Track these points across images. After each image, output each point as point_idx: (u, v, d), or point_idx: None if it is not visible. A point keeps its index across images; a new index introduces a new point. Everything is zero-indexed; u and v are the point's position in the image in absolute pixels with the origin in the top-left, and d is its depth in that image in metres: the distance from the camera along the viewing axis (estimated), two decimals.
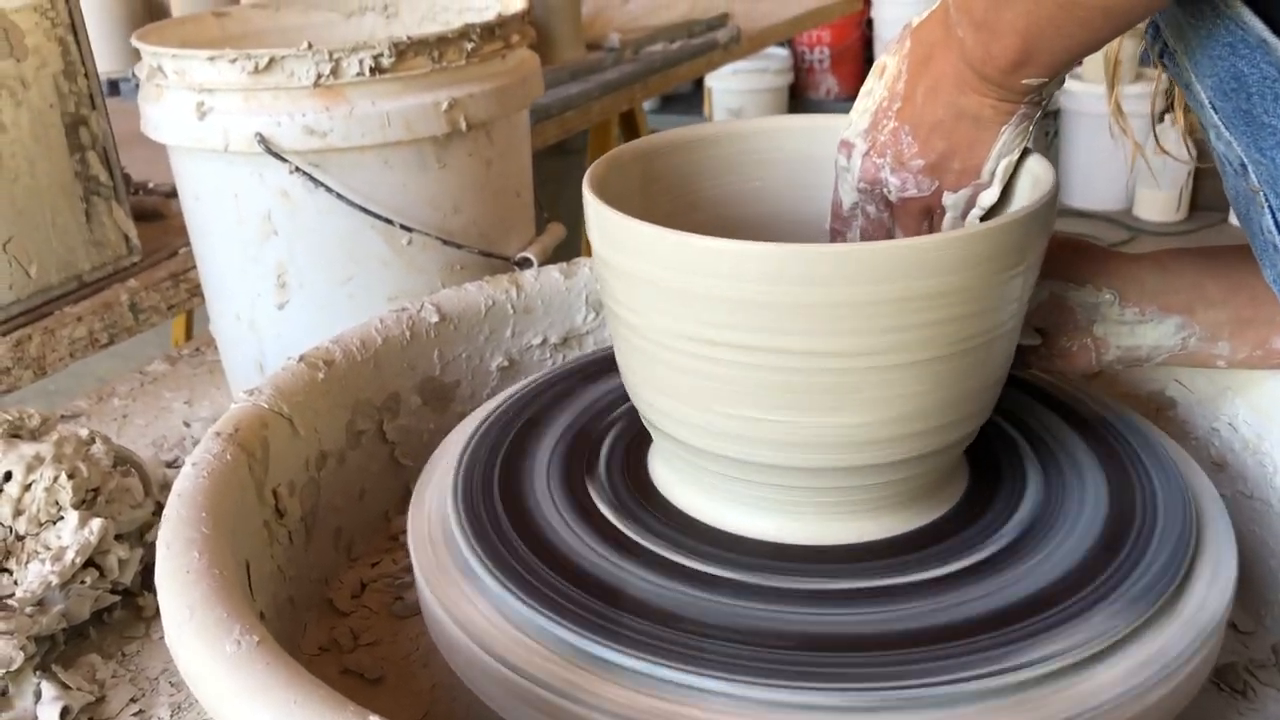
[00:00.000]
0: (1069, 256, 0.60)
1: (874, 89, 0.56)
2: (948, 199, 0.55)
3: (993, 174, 0.54)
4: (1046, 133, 3.42)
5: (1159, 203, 3.23)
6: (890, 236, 0.58)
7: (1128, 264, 0.60)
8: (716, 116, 3.95)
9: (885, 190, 0.56)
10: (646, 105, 4.15)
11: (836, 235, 0.61)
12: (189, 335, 2.12)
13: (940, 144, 0.53)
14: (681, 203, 0.62)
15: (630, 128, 2.26)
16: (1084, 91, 3.17)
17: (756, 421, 0.50)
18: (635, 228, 0.50)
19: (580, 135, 1.90)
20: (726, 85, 3.91)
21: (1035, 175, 0.54)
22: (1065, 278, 0.60)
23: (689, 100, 4.28)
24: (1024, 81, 0.49)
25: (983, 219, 0.56)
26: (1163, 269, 0.60)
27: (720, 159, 0.64)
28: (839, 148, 0.58)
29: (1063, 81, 0.52)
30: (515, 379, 0.77)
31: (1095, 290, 0.59)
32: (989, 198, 0.55)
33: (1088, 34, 0.46)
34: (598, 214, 0.52)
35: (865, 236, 0.59)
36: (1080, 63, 0.50)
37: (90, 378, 2.47)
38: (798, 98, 4.34)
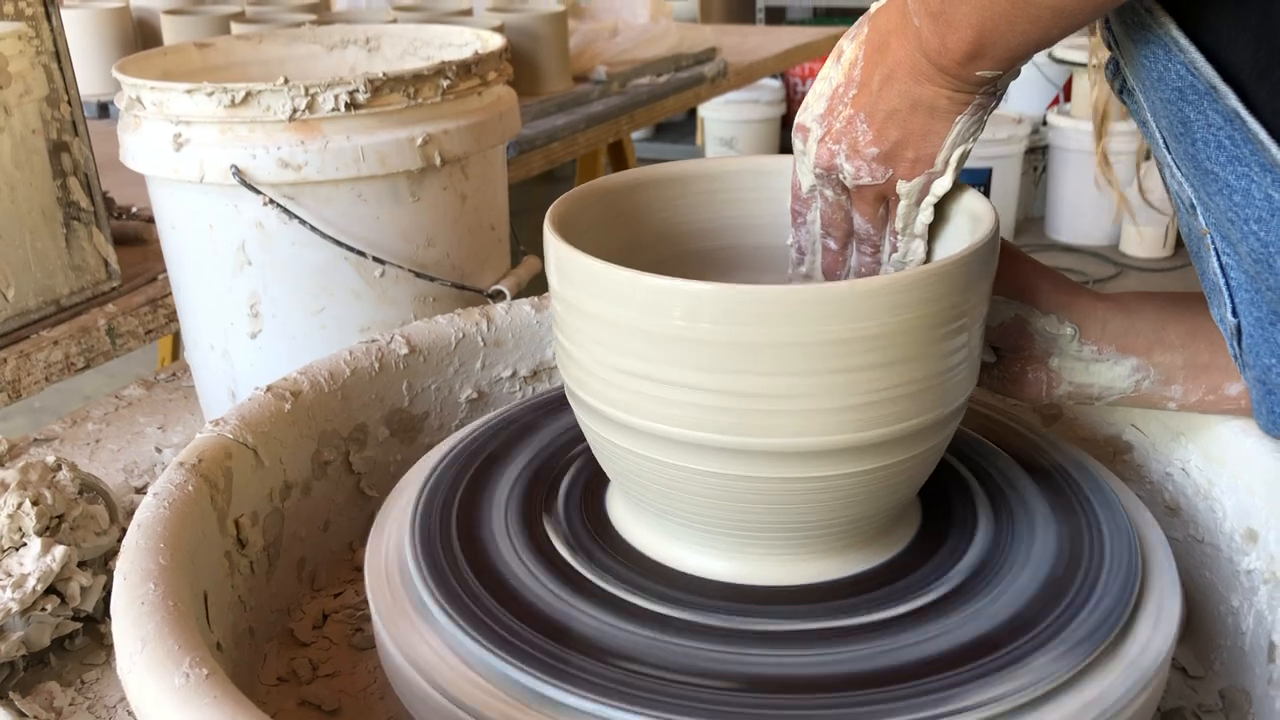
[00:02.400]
0: (1040, 284, 0.60)
1: (831, 74, 0.57)
2: (901, 187, 0.55)
3: (947, 163, 0.54)
4: (1035, 168, 3.45)
5: (1146, 239, 3.25)
6: (849, 219, 0.59)
7: (1093, 302, 0.61)
8: (709, 146, 3.97)
9: (840, 176, 0.57)
10: (639, 134, 4.18)
11: (796, 216, 0.61)
12: (174, 357, 2.12)
13: (895, 133, 0.54)
14: (641, 238, 0.63)
15: (618, 158, 2.28)
16: (1072, 128, 3.20)
17: (704, 455, 0.51)
18: (585, 263, 0.50)
19: (569, 164, 1.92)
20: (719, 115, 3.93)
21: (974, 214, 0.55)
22: (1033, 304, 0.60)
23: (681, 129, 4.30)
24: (978, 74, 0.50)
25: (927, 257, 0.57)
26: (1126, 312, 0.61)
27: (682, 197, 0.65)
28: (795, 131, 0.59)
29: (1017, 74, 0.53)
30: (484, 411, 0.78)
31: (1058, 321, 0.60)
32: (942, 186, 0.55)
33: (1039, 31, 0.47)
34: (555, 250, 0.53)
35: (824, 218, 0.60)
36: (1030, 58, 0.50)
37: (76, 396, 2.47)
38: (790, 128, 4.37)
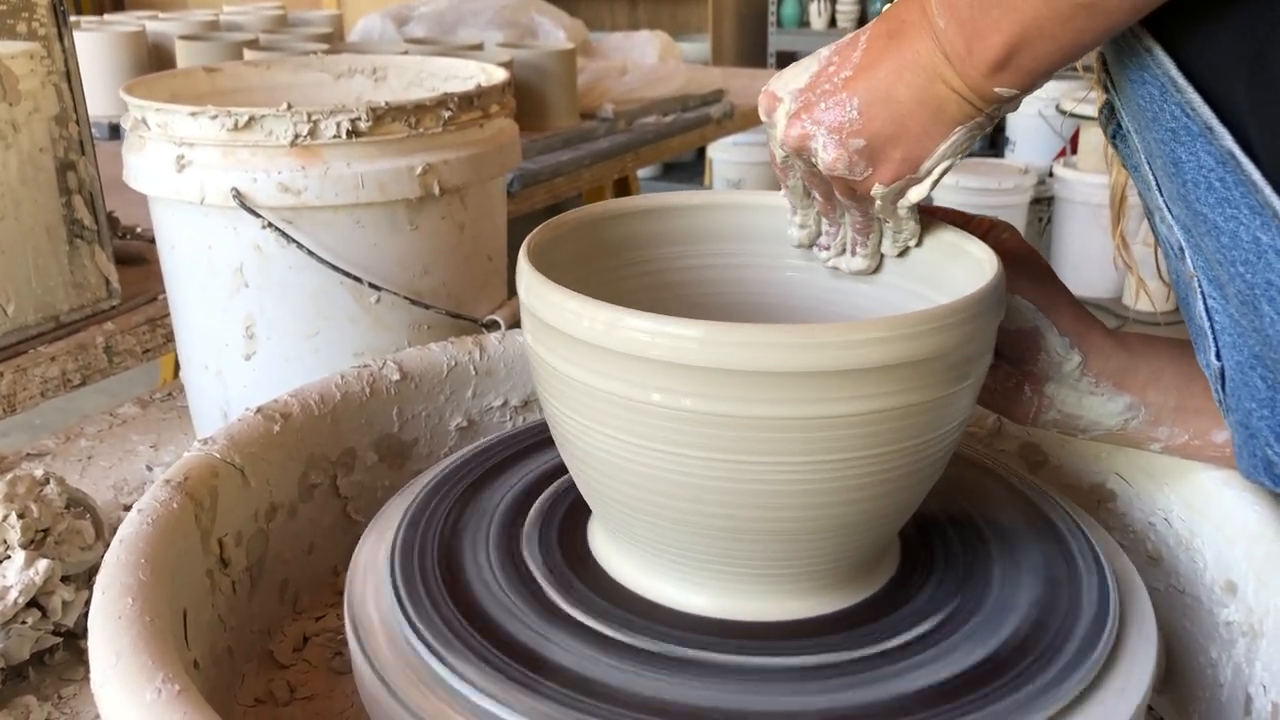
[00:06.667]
0: (1063, 306, 0.60)
1: (823, 53, 0.55)
2: (877, 190, 0.54)
3: (929, 172, 0.53)
4: (1040, 219, 3.47)
5: (1149, 293, 3.26)
6: (828, 183, 0.56)
7: (1103, 336, 0.61)
8: (716, 186, 4.00)
9: (812, 159, 0.54)
10: (647, 172, 4.21)
11: (782, 176, 0.60)
12: (175, 377, 2.13)
13: (888, 126, 0.52)
14: (622, 270, 0.64)
15: (624, 194, 2.29)
16: (1078, 180, 3.21)
17: (682, 487, 0.51)
18: (559, 299, 0.51)
19: (574, 199, 1.93)
20: (728, 156, 3.96)
21: (980, 259, 0.55)
22: (1055, 321, 0.60)
23: (690, 169, 4.34)
24: (996, 90, 0.49)
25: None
26: (1129, 351, 0.61)
27: (663, 229, 0.65)
28: (761, 97, 0.56)
29: (1018, 106, 0.52)
30: (474, 439, 0.78)
31: (1069, 346, 0.60)
32: (918, 193, 0.54)
33: (1070, 35, 0.46)
34: (528, 279, 0.54)
35: (806, 181, 0.58)
36: (1053, 74, 0.49)
37: (76, 415, 2.48)
38: None
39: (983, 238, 0.61)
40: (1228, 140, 0.47)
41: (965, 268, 0.57)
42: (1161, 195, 0.53)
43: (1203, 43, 0.47)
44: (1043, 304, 0.59)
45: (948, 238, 0.59)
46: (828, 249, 0.62)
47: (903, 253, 0.60)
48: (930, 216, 0.60)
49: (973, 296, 0.50)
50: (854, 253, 0.61)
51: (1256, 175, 0.46)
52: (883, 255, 0.61)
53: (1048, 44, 0.47)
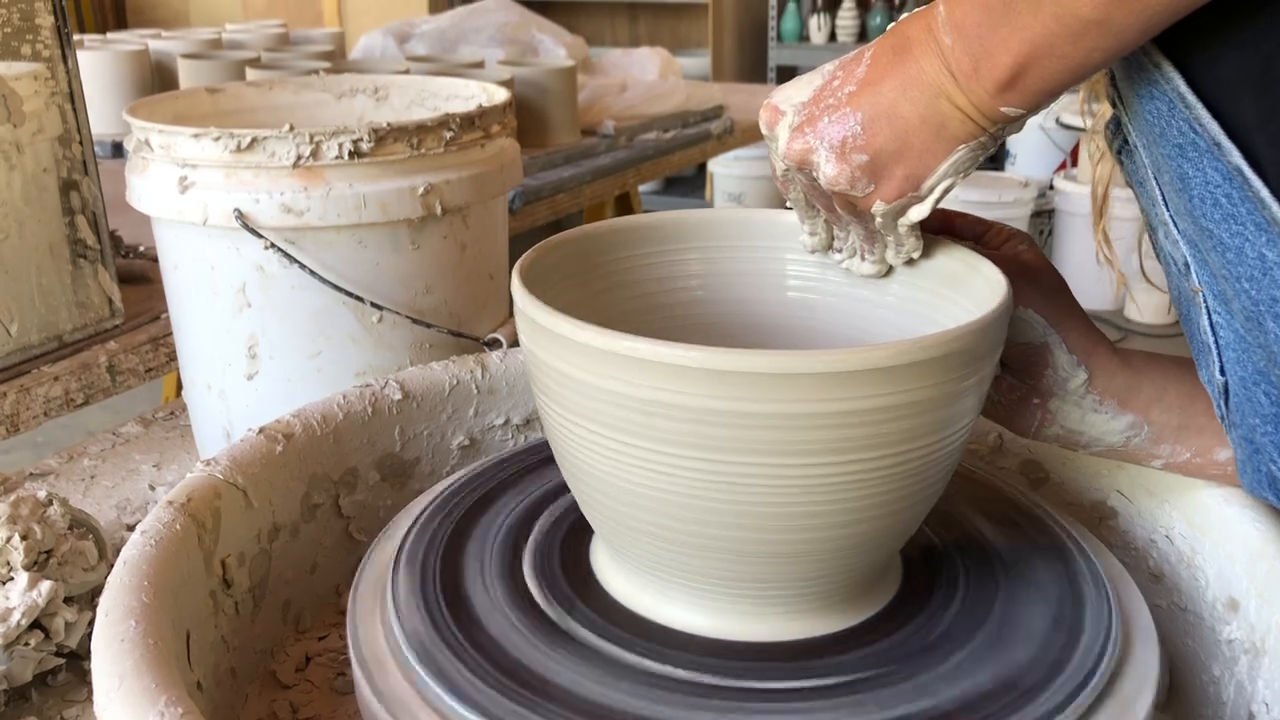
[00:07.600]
0: (1074, 322, 0.60)
1: (827, 68, 0.55)
2: (878, 207, 0.53)
3: (931, 190, 0.53)
4: (1041, 231, 3.47)
5: (1150, 304, 3.26)
6: (831, 202, 0.57)
7: (1109, 354, 0.61)
8: (717, 200, 4.01)
9: (814, 173, 0.54)
10: (648, 187, 4.22)
11: (783, 188, 0.60)
12: (179, 395, 2.13)
13: (891, 142, 0.51)
14: (614, 286, 0.64)
15: (625, 210, 2.30)
16: (1078, 192, 3.22)
17: (682, 498, 0.51)
18: (555, 322, 0.51)
19: (576, 215, 1.94)
20: (729, 170, 3.97)
21: (991, 280, 0.55)
22: (1064, 337, 0.60)
23: (691, 184, 4.35)
24: (1002, 110, 0.49)
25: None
26: (1133, 370, 0.61)
27: (653, 245, 0.66)
28: (763, 110, 0.56)
29: (1022, 127, 0.52)
30: (475, 458, 0.78)
31: (1076, 363, 0.60)
32: (918, 213, 0.54)
33: (1080, 54, 0.46)
34: (522, 302, 0.54)
35: (808, 194, 0.58)
36: (1059, 94, 0.49)
37: (80, 432, 2.48)
38: None
39: (1000, 247, 0.62)
40: (1235, 156, 0.47)
41: (975, 286, 0.57)
42: (1168, 210, 0.53)
43: (1211, 59, 0.47)
44: (1053, 319, 0.60)
45: (959, 255, 0.59)
46: (840, 251, 0.63)
47: (909, 262, 0.60)
48: (942, 236, 0.60)
49: (985, 317, 0.50)
50: (863, 258, 0.61)
51: (1263, 191, 0.46)
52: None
53: (1056, 63, 0.47)
